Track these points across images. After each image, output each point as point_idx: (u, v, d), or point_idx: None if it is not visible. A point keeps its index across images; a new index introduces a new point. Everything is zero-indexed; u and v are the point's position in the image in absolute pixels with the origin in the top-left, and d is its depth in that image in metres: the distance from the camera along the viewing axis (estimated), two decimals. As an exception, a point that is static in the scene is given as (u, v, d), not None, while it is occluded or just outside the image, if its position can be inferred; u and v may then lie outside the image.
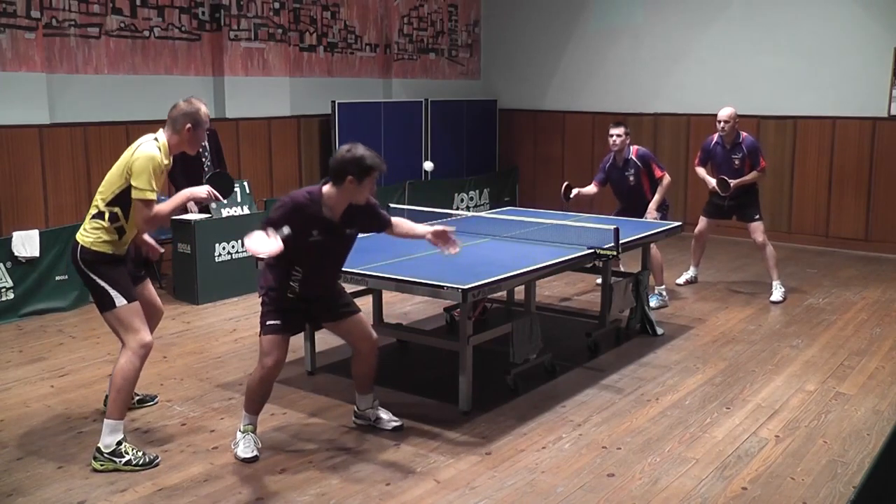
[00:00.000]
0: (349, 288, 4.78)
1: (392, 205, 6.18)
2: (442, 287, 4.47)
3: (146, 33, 8.30)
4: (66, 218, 7.56)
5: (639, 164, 7.02)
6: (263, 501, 3.80)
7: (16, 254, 6.58)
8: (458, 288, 4.40)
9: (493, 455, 4.26)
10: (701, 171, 7.55)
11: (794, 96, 9.84)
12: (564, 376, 5.42)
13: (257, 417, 4.26)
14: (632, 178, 7.04)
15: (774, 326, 6.59)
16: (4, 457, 4.22)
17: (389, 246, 5.17)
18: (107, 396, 4.35)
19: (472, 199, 11.44)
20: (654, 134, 10.67)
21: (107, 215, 4.10)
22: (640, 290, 6.21)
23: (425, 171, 9.05)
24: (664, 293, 7.15)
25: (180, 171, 6.87)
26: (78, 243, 4.14)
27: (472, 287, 4.43)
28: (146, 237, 4.56)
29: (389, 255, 5.13)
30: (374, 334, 4.49)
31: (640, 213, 6.99)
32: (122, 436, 4.12)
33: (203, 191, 4.26)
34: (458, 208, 10.93)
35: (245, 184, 7.71)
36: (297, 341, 5.35)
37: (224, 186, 4.57)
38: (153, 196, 3.99)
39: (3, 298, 6.55)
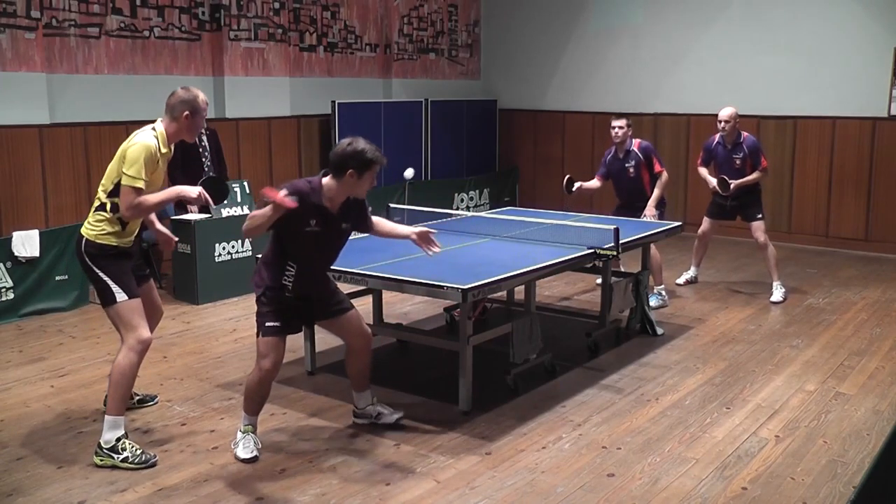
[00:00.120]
0: (349, 288, 4.78)
1: (392, 205, 6.17)
2: (442, 287, 4.47)
3: (146, 33, 8.31)
4: (66, 218, 7.57)
5: (640, 156, 7.02)
6: (263, 501, 3.80)
7: (16, 254, 6.58)
8: (458, 288, 4.40)
9: (493, 455, 4.26)
10: (703, 171, 7.55)
11: (794, 96, 9.84)
12: (564, 376, 5.42)
13: (257, 418, 4.26)
14: (632, 170, 7.04)
15: (774, 326, 6.60)
16: (4, 457, 4.22)
17: (389, 246, 5.17)
18: (107, 396, 4.35)
19: (472, 199, 11.44)
20: (654, 134, 10.65)
21: (108, 206, 4.13)
22: (640, 290, 6.21)
23: (406, 179, 8.89)
24: (664, 293, 7.15)
25: (180, 170, 6.90)
26: (82, 236, 4.17)
27: (472, 287, 4.43)
28: (160, 227, 4.59)
29: (389, 255, 5.13)
30: (369, 331, 4.51)
31: (639, 207, 6.99)
32: (123, 432, 4.13)
33: (194, 192, 4.20)
34: (458, 208, 10.94)
35: (245, 184, 7.71)
36: (297, 341, 5.36)
37: (217, 192, 4.55)
38: (141, 184, 3.98)
39: (3, 298, 6.55)
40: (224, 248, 7.30)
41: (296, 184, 4.09)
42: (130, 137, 4.13)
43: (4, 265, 6.54)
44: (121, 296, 4.12)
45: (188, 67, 8.67)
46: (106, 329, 6.28)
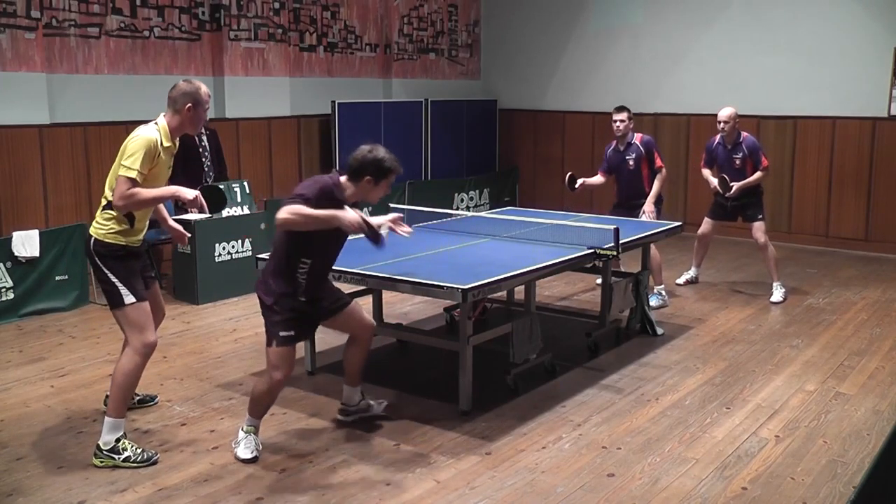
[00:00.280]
0: (349, 288, 4.78)
1: (392, 205, 6.19)
2: (442, 287, 4.48)
3: (146, 33, 8.31)
4: (66, 218, 7.56)
5: (641, 149, 7.02)
6: (263, 501, 3.80)
7: (16, 254, 6.58)
8: (458, 288, 4.40)
9: (493, 455, 4.26)
10: (706, 172, 7.55)
11: (794, 96, 9.84)
12: (564, 376, 5.42)
13: (260, 421, 4.27)
14: (631, 163, 7.03)
15: (774, 326, 6.60)
16: (4, 457, 4.22)
17: (389, 246, 5.15)
18: (107, 396, 4.35)
19: (472, 199, 11.44)
20: (654, 134, 10.57)
21: None
22: (639, 290, 6.21)
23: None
24: (664, 293, 7.15)
25: (181, 170, 6.89)
26: (91, 236, 4.16)
27: (472, 287, 4.44)
28: (172, 223, 4.60)
29: (389, 255, 5.12)
30: (371, 320, 4.58)
31: (636, 205, 6.99)
32: (123, 433, 4.13)
33: (191, 194, 4.12)
34: (458, 208, 10.94)
35: (245, 184, 7.71)
36: (297, 341, 5.35)
37: (215, 202, 4.49)
38: (134, 174, 3.94)
39: (3, 298, 6.55)
40: (224, 248, 7.30)
41: (320, 179, 4.13)
42: (133, 133, 4.13)
43: (4, 265, 6.54)
44: (129, 298, 4.11)
45: (188, 67, 8.67)
46: (106, 329, 6.28)
